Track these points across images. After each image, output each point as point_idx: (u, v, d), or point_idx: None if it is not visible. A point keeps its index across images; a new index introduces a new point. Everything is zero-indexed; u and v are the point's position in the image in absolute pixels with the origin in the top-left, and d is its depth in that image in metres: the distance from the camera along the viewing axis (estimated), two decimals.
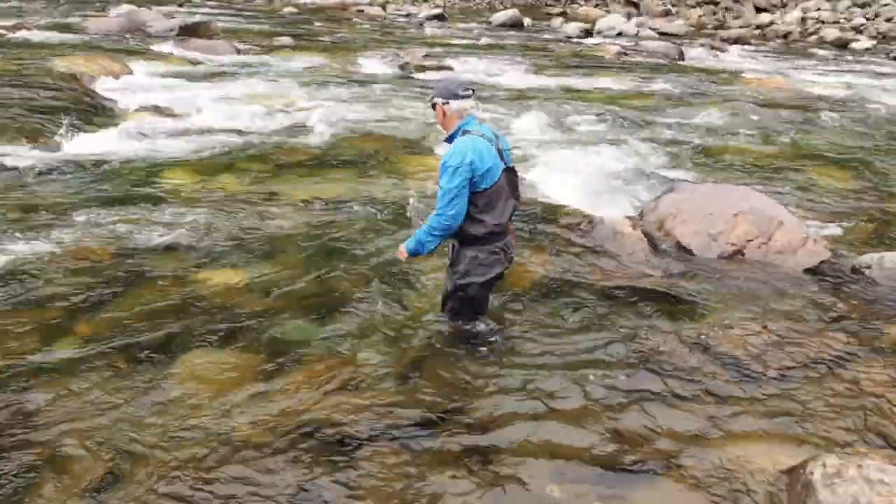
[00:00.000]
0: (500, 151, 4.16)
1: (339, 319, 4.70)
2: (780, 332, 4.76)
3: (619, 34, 26.79)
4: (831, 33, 29.01)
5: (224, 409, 3.75)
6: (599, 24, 27.89)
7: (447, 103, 4.14)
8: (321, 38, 19.40)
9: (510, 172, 4.22)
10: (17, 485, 3.17)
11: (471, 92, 4.20)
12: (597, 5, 37.93)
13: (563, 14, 33.51)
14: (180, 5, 25.05)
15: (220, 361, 4.18)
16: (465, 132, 4.10)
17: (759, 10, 35.60)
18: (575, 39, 24.28)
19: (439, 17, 28.37)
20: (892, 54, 24.29)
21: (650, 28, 28.53)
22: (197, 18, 17.95)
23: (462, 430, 3.67)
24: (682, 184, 7.23)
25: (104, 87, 10.96)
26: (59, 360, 4.10)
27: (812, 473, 3.17)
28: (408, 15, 29.04)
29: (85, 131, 8.70)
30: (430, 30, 24.46)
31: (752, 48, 25.35)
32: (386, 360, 4.27)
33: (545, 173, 8.34)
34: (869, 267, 5.68)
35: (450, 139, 4.19)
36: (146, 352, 4.23)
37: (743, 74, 17.18)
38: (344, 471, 3.33)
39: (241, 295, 4.97)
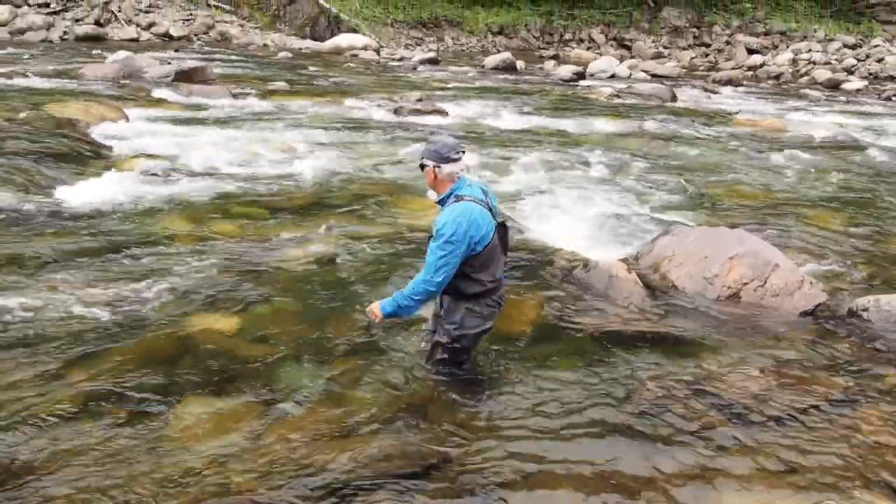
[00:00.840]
0: (490, 209, 4.16)
1: (336, 365, 4.68)
2: (778, 376, 4.74)
3: (612, 76, 27.10)
4: (823, 74, 29.45)
5: (220, 458, 3.71)
6: (592, 67, 28.22)
7: (438, 167, 4.09)
8: (316, 83, 19.59)
9: (501, 228, 4.22)
10: None
11: (462, 153, 4.16)
12: (589, 48, 38.46)
13: (555, 57, 33.92)
14: (176, 51, 25.29)
15: (216, 409, 4.15)
16: (459, 197, 4.07)
17: (750, 51, 36.16)
18: (568, 82, 24.55)
19: (433, 62, 28.67)
20: (883, 94, 24.61)
21: (642, 70, 28.87)
22: (192, 64, 18.06)
23: (457, 478, 3.64)
24: (677, 227, 7.25)
25: (100, 132, 10.99)
26: (55, 409, 4.04)
27: None
28: (401, 59, 29.35)
29: (81, 178, 8.69)
30: (424, 74, 24.73)
31: (745, 89, 25.69)
32: (382, 405, 4.24)
33: (539, 217, 8.36)
34: (866, 310, 5.67)
35: (441, 201, 4.18)
36: (142, 400, 4.19)
37: (736, 115, 17.37)
38: None
39: (236, 341, 4.95)
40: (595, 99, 19.81)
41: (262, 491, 3.47)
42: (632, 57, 34.90)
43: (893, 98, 23.89)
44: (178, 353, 4.74)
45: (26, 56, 21.00)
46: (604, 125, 15.23)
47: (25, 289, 5.55)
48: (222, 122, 12.86)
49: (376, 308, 4.19)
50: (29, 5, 29.01)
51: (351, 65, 25.95)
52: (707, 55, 37.71)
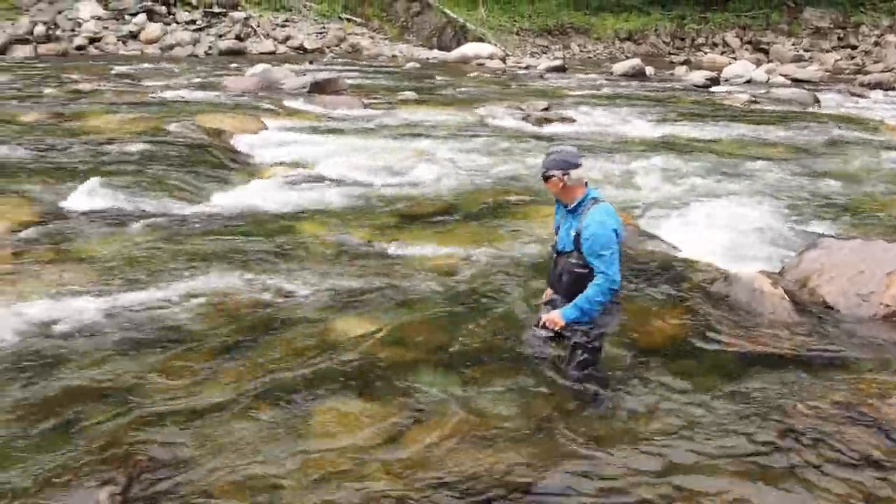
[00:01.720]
0: None
1: (473, 371, 4.69)
2: None
3: (748, 81, 26.05)
4: None
5: (358, 459, 3.79)
6: (726, 72, 27.23)
7: (567, 174, 4.26)
8: (444, 92, 19.85)
9: None
10: None
11: (582, 160, 4.35)
12: (723, 52, 37.19)
13: (686, 62, 32.98)
14: (310, 63, 26.27)
15: (355, 411, 4.24)
16: (596, 199, 4.29)
17: None
18: (701, 88, 23.78)
19: (559, 69, 28.48)
20: None
21: (781, 74, 27.59)
22: (325, 75, 18.70)
23: (594, 494, 3.56)
24: (826, 239, 6.84)
25: (242, 142, 11.55)
26: (206, 404, 4.25)
27: None
28: (527, 67, 29.32)
29: (226, 185, 9.17)
30: (551, 81, 24.58)
31: None
32: (519, 415, 4.21)
33: (674, 227, 8.10)
34: None
35: (575, 209, 4.32)
36: (285, 396, 4.34)
37: (886, 122, 16.28)
38: None
39: (374, 345, 5.04)
40: (730, 105, 19.07)
41: (399, 496, 3.51)
42: (769, 61, 33.48)
43: None
44: (319, 353, 4.89)
45: (175, 70, 22.39)
46: (740, 132, 14.63)
47: (179, 288, 5.88)
48: (355, 131, 13.23)
49: (556, 317, 4.32)
50: (177, 23, 30.98)
51: (477, 74, 26.14)
52: (853, 57, 35.68)
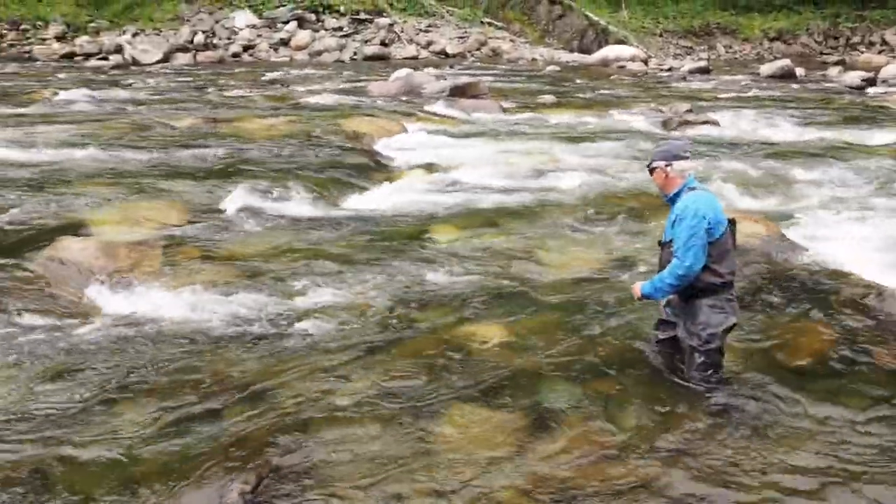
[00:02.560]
0: None
1: (601, 382, 4.63)
2: None
3: None
4: None
5: (486, 467, 3.80)
6: (884, 72, 25.36)
7: (669, 165, 4.34)
8: (583, 95, 19.66)
9: (731, 223, 4.42)
10: None
11: (690, 154, 4.41)
12: (881, 51, 34.72)
13: (840, 62, 31.08)
14: (451, 67, 26.70)
15: (484, 418, 4.26)
16: (691, 189, 4.32)
17: None
18: (856, 89, 22.35)
19: (703, 71, 27.53)
20: None
21: None
22: (466, 79, 18.94)
23: None
24: None
25: (383, 145, 11.93)
26: (337, 408, 4.34)
27: None
28: (670, 69, 28.53)
29: (367, 187, 9.51)
30: (694, 84, 23.82)
31: None
32: (647, 430, 4.13)
33: (823, 237, 7.67)
34: None
35: (672, 199, 4.38)
36: (413, 402, 4.40)
37: None
38: None
39: (502, 350, 5.07)
40: (888, 108, 17.82)
41: None
42: None
43: None
44: (446, 358, 4.94)
45: (322, 75, 23.35)
46: None
47: (317, 289, 6.14)
48: (493, 135, 13.31)
49: (637, 287, 4.48)
50: (325, 30, 32.32)
51: (618, 76, 25.72)
52: None
